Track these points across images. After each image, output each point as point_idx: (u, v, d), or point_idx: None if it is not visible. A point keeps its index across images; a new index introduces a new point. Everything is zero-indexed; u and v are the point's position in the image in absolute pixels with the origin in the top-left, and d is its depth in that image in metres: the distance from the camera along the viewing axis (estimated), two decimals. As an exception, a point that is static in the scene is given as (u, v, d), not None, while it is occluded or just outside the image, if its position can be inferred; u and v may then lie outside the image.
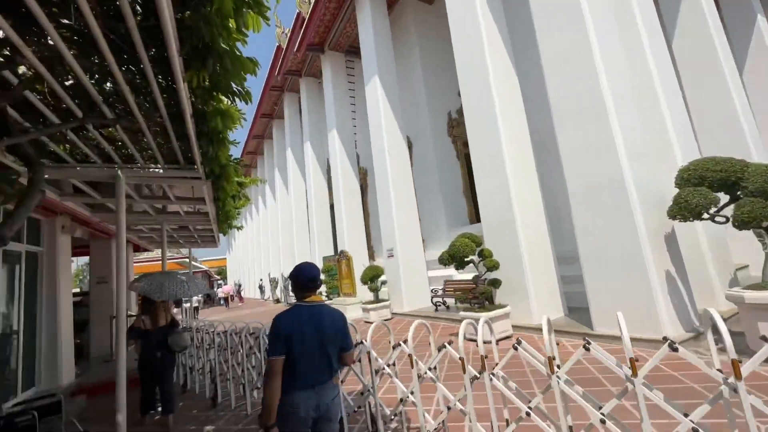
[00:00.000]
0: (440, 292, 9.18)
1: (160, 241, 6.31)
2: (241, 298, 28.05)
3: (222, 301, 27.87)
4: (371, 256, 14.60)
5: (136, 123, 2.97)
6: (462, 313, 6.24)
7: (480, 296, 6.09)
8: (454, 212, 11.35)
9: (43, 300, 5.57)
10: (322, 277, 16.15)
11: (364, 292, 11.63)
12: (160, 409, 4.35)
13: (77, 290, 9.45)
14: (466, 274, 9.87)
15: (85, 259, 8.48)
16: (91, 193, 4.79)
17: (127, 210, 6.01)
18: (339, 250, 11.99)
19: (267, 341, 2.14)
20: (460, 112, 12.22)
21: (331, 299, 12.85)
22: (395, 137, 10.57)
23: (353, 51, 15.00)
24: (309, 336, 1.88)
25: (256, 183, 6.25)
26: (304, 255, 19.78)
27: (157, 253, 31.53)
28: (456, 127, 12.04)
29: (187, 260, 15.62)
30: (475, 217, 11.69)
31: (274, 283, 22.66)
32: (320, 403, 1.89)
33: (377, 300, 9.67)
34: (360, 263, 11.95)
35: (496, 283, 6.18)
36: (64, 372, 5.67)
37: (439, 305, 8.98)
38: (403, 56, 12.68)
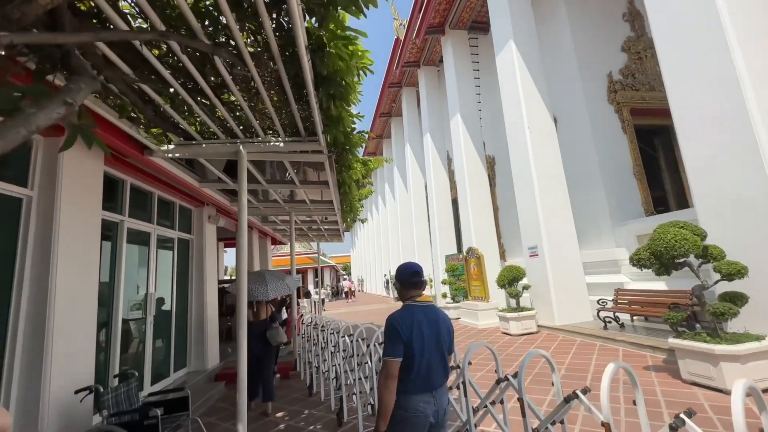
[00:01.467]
0: (609, 304, 6.93)
1: (289, 234, 6.15)
2: (353, 294, 29.25)
3: (344, 295, 29.68)
4: (502, 255, 12.72)
5: (241, 59, 2.29)
6: (675, 341, 4.19)
7: (711, 316, 3.93)
8: (620, 201, 8.70)
9: (192, 284, 5.88)
10: (445, 276, 15.03)
11: (497, 296, 9.99)
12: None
13: (229, 278, 10.50)
14: (644, 283, 7.31)
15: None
16: (225, 178, 4.66)
17: (257, 198, 5.98)
18: (467, 247, 10.61)
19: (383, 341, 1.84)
20: (625, 71, 9.43)
21: (457, 302, 11.56)
22: (537, 111, 8.63)
23: (477, 27, 13.42)
24: (427, 337, 1.78)
25: (381, 164, 5.54)
26: (425, 253, 18.99)
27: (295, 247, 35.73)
28: (620, 91, 9.29)
29: (317, 255, 16.48)
30: (654, 205, 8.77)
31: (393, 280, 22.61)
32: (439, 408, 1.81)
33: (519, 308, 7.96)
34: (490, 263, 10.32)
35: (738, 299, 3.91)
36: (210, 355, 5.90)
37: (609, 321, 6.75)
38: (543, 15, 10.51)
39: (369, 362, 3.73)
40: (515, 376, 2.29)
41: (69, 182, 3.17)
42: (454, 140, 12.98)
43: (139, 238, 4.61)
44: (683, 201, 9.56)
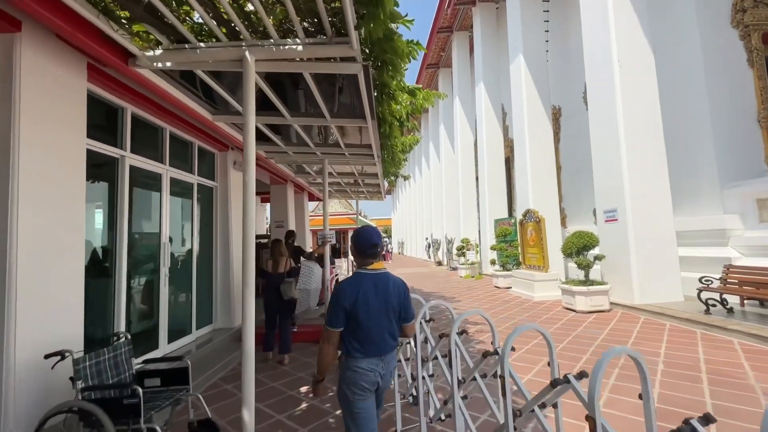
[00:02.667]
0: (714, 283, 5.48)
1: (323, 186, 5.33)
2: (389, 256, 29.02)
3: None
4: (562, 221, 11.19)
5: None
6: None
7: None
8: (735, 155, 6.82)
9: (217, 236, 5.35)
10: (494, 242, 13.80)
11: (556, 266, 8.72)
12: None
13: (264, 233, 10.16)
14: (760, 259, 5.71)
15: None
16: (233, 102, 3.80)
17: (285, 139, 5.14)
18: (523, 209, 9.27)
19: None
20: (761, -19, 7.08)
21: (508, 270, 10.43)
22: (631, 40, 6.77)
23: (552, -57, 11.00)
24: (374, 305, 1.77)
25: (432, 101, 4.39)
26: (471, 216, 17.70)
27: (335, 207, 35.68)
28: (750, 10, 7.03)
29: (357, 216, 15.89)
30: (781, 162, 6.81)
31: (436, 245, 21.69)
32: (386, 372, 1.82)
33: (588, 281, 6.71)
34: (550, 229, 8.95)
35: None
36: (238, 312, 5.46)
37: (713, 304, 5.35)
38: None
39: (411, 343, 2.89)
40: (579, 376, 1.52)
41: (32, 93, 2.47)
42: (513, 87, 11.18)
43: (147, 180, 4.00)
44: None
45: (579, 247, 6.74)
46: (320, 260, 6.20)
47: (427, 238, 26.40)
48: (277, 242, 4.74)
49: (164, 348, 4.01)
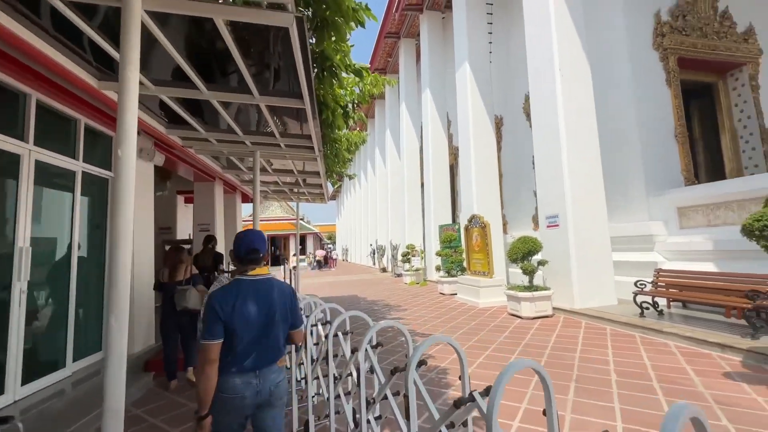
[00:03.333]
0: (647, 287, 5.70)
1: (253, 180, 4.54)
2: (333, 263, 28.29)
3: (315, 264, 28.53)
4: (503, 228, 11.43)
5: None
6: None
7: None
8: (659, 166, 7.34)
9: (112, 242, 4.26)
10: (438, 248, 13.76)
11: (499, 272, 8.74)
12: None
13: (187, 239, 8.86)
14: (684, 264, 6.11)
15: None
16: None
17: (206, 127, 4.29)
18: (469, 215, 9.21)
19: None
20: (675, 11, 7.81)
21: (453, 276, 10.31)
22: (571, 51, 7.00)
23: (495, -42, 11.36)
24: (253, 314, 1.63)
25: (381, 87, 3.91)
26: (416, 223, 17.64)
27: (275, 211, 33.73)
28: (669, 35, 7.70)
29: (301, 222, 14.89)
30: (696, 173, 7.48)
31: (381, 251, 21.34)
32: (262, 388, 1.65)
33: (532, 286, 6.69)
34: (494, 234, 8.98)
35: None
36: (137, 335, 4.41)
37: (646, 307, 5.54)
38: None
39: (354, 374, 2.31)
40: (486, 393, 1.19)
41: None
42: (459, 94, 11.25)
43: (-1, 162, 2.93)
44: (719, 172, 8.31)
45: (524, 253, 6.71)
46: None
47: (371, 245, 26.00)
48: (178, 249, 4.15)
49: (15, 392, 2.93)
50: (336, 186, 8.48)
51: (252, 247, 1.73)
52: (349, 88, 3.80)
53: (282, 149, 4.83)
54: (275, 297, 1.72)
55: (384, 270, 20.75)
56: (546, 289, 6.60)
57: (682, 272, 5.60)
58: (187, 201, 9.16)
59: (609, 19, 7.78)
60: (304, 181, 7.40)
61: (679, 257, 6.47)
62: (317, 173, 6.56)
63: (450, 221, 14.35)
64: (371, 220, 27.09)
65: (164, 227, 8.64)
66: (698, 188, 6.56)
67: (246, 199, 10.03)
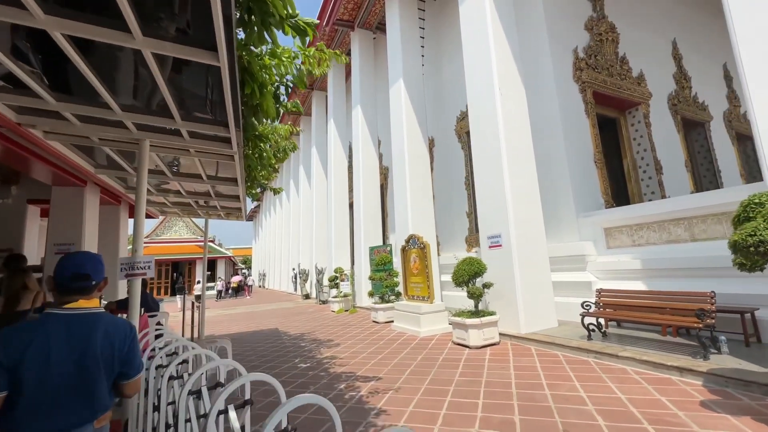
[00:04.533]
0: (592, 308, 5.59)
1: (137, 179, 3.18)
2: (248, 290, 25.82)
3: (230, 291, 25.71)
4: (436, 249, 11.14)
5: None
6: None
7: None
8: (585, 188, 7.69)
9: None
10: (369, 271, 12.93)
11: (450, 298, 8.20)
12: None
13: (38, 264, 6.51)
14: (614, 282, 6.26)
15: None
16: None
17: (55, 94, 2.84)
18: (408, 235, 8.60)
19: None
20: (588, 51, 8.56)
21: (389, 302, 9.48)
22: (509, 73, 7.07)
23: (428, -16, 11.64)
24: (57, 359, 1.28)
25: (330, 63, 3.05)
26: (344, 244, 16.61)
27: (179, 230, 29.36)
28: (585, 70, 8.37)
29: (212, 244, 12.77)
30: (615, 197, 8.01)
31: (303, 275, 19.66)
32: None
33: (478, 311, 6.19)
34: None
35: None
36: None
37: (593, 329, 5.39)
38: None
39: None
40: None
41: None
42: (393, 111, 10.91)
43: None
44: (623, 197, 9.16)
45: (470, 275, 6.23)
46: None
47: (294, 269, 24.01)
48: (23, 271, 3.33)
49: None
50: (255, 200, 7.04)
51: (80, 272, 1.44)
52: (285, 60, 2.82)
53: (184, 140, 3.55)
54: (97, 338, 1.38)
55: (307, 296, 19.06)
56: (492, 313, 6.16)
57: (620, 291, 5.64)
58: (45, 214, 6.84)
59: (538, 48, 8.17)
60: (214, 191, 5.97)
61: (609, 276, 6.65)
62: (234, 180, 5.26)
63: (381, 242, 13.70)
64: (293, 243, 25.17)
65: (2, 249, 6.22)
66: (620, 210, 6.94)
67: (133, 213, 7.97)
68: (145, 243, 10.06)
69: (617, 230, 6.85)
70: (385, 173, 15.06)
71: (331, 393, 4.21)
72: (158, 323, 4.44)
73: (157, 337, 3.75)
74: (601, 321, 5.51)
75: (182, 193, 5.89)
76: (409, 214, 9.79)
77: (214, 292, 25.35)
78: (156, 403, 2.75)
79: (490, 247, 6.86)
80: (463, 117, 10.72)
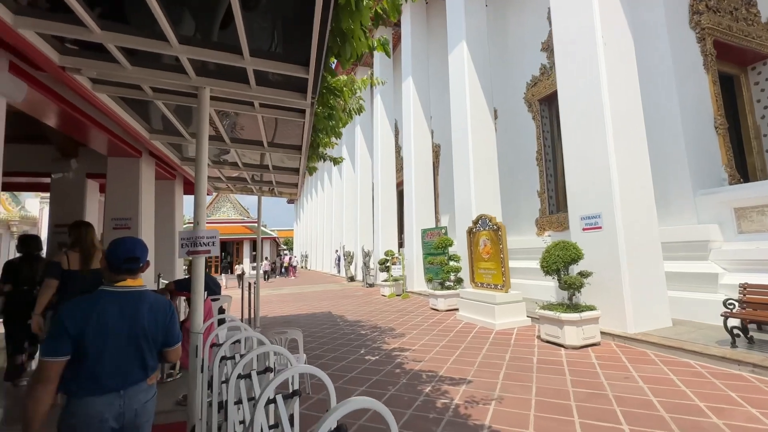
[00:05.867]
0: (736, 308, 4.42)
1: (197, 137, 2.56)
2: (293, 271, 26.25)
3: (283, 270, 26.27)
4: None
5: None
6: None
7: None
8: (702, 162, 6.29)
9: None
10: (420, 254, 12.18)
11: (517, 286, 7.25)
12: None
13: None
14: (749, 275, 4.98)
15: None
16: None
17: (104, 23, 2.20)
18: (477, 215, 7.66)
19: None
20: (712, -13, 6.91)
21: (450, 288, 8.69)
22: (614, 21, 5.77)
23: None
24: (113, 329, 1.51)
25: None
26: (390, 226, 15.94)
27: (227, 212, 30.24)
28: (705, 14, 6.77)
29: (260, 225, 12.66)
30: (744, 171, 6.53)
31: (348, 258, 19.33)
32: (126, 409, 1.52)
33: (575, 306, 5.21)
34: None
35: None
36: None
37: (737, 334, 4.25)
38: None
39: None
40: None
41: None
42: (454, 79, 9.81)
43: None
44: (742, 171, 7.54)
45: (565, 261, 5.23)
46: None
47: (337, 251, 23.85)
48: (87, 226, 3.25)
49: None
50: (312, 171, 6.33)
51: (131, 255, 1.62)
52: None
53: (250, 88, 2.87)
54: (144, 313, 1.60)
55: (352, 279, 18.76)
56: (592, 308, 5.15)
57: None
58: (103, 190, 6.65)
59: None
60: (273, 163, 5.38)
61: (742, 267, 5.36)
62: (295, 148, 4.60)
63: (433, 225, 12.83)
64: (336, 225, 24.95)
65: (62, 224, 6.10)
66: (762, 185, 5.51)
67: (190, 189, 7.68)
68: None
69: (755, 211, 5.48)
70: (436, 151, 14.01)
71: (418, 398, 3.51)
72: (221, 309, 3.95)
73: (220, 322, 3.21)
74: (739, 323, 4.33)
75: (239, 164, 5.34)
76: (473, 192, 8.82)
77: (260, 272, 26.00)
78: (221, 400, 2.21)
79: (584, 229, 5.78)
80: (535, 83, 9.40)
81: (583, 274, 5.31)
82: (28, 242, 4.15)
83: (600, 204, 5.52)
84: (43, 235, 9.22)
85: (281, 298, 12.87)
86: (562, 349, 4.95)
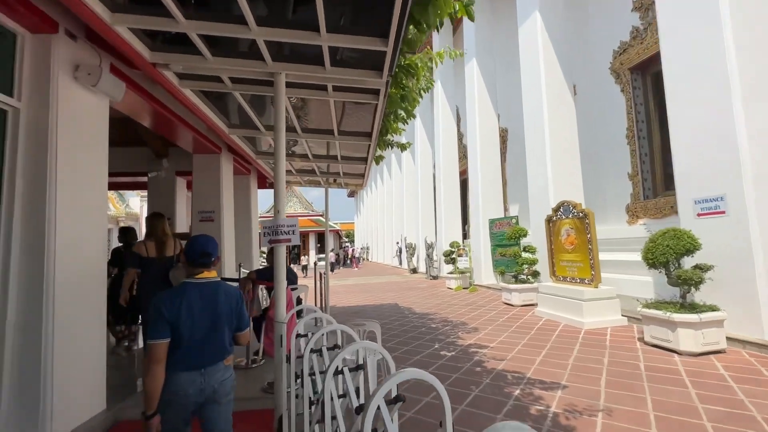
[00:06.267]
0: None
1: (274, 118, 2.50)
2: (356, 262, 26.80)
3: (348, 261, 26.98)
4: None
5: None
6: None
7: None
8: None
9: (18, 221, 2.29)
10: (488, 245, 11.54)
11: (605, 281, 6.43)
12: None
13: (185, 232, 6.90)
14: None
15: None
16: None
17: (186, 11, 2.16)
18: (559, 202, 6.95)
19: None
20: None
21: (529, 282, 8.06)
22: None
23: None
24: (198, 316, 1.74)
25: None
26: (453, 217, 15.42)
27: (293, 207, 31.94)
28: None
29: (321, 218, 12.94)
30: None
31: (410, 249, 19.17)
32: (206, 386, 1.73)
33: (691, 306, 4.40)
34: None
35: None
36: (77, 393, 2.42)
37: None
38: None
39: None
40: None
41: None
42: (525, 52, 8.99)
43: None
44: None
45: (677, 253, 4.43)
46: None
47: (398, 242, 23.85)
48: (159, 217, 3.69)
49: None
50: (378, 161, 6.18)
51: (205, 251, 1.82)
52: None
53: (324, 70, 2.74)
54: (220, 300, 1.81)
55: (414, 271, 18.60)
56: (714, 308, 4.30)
57: None
58: (189, 187, 7.20)
59: None
60: (341, 153, 5.32)
61: None
62: (363, 135, 4.46)
63: (501, 214, 12.06)
64: (397, 216, 24.92)
65: (159, 217, 6.73)
66: None
67: (263, 183, 8.05)
68: (266, 217, 10.29)
69: None
70: (503, 136, 13.10)
71: (507, 402, 3.18)
72: (299, 299, 3.99)
73: (298, 312, 3.19)
74: None
75: (309, 155, 5.38)
76: (550, 177, 8.03)
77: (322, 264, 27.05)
78: (313, 398, 2.15)
79: (700, 215, 4.86)
80: (624, 49, 8.19)
81: (702, 268, 4.45)
82: (126, 233, 4.72)
83: (723, 184, 4.57)
84: (143, 228, 10.39)
85: (347, 288, 13.14)
86: (676, 355, 4.21)
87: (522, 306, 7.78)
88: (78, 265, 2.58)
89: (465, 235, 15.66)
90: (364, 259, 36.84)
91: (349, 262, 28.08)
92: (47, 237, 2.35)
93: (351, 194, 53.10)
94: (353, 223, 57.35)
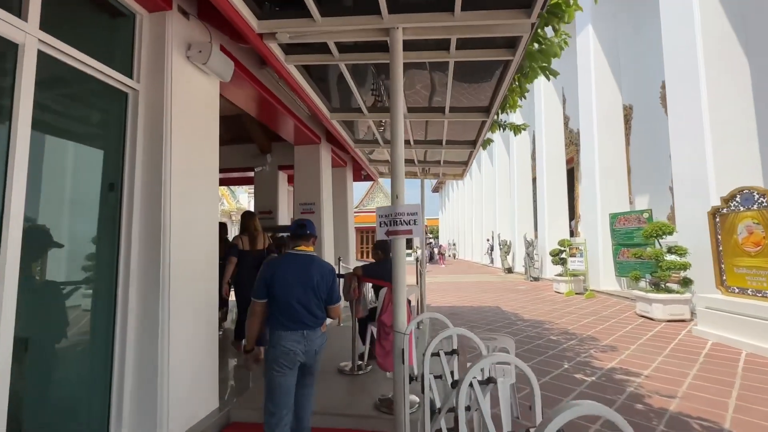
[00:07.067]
0: None
1: (390, 67, 2.02)
2: (442, 259, 25.96)
3: (435, 259, 26.26)
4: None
5: None
6: None
7: None
8: None
9: (137, 210, 2.21)
10: (609, 243, 9.69)
11: (707, 286, 4.65)
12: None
13: (283, 224, 7.03)
14: None
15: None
16: None
17: None
18: (737, 188, 5.27)
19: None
20: None
21: (679, 293, 6.42)
22: None
23: None
24: (292, 281, 1.97)
25: None
26: (558, 211, 13.60)
27: (380, 201, 32.34)
28: None
29: (422, 212, 12.52)
30: None
31: (505, 247, 17.62)
32: (308, 349, 1.97)
33: None
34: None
35: None
36: (191, 392, 2.29)
37: None
38: None
39: None
40: None
41: None
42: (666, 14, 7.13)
43: None
44: None
45: None
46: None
47: (488, 239, 22.33)
48: (251, 215, 4.12)
49: None
50: (486, 146, 5.42)
51: (300, 223, 2.12)
52: None
53: (453, 17, 2.14)
54: (312, 271, 2.02)
55: (510, 270, 17.05)
56: None
57: None
58: (290, 181, 7.35)
59: None
60: (446, 141, 4.69)
61: None
62: (480, 110, 3.75)
63: (626, 208, 10.06)
64: (487, 211, 23.31)
65: (264, 211, 7.00)
66: None
67: (358, 176, 7.87)
68: (354, 212, 10.29)
69: None
70: (626, 114, 10.93)
71: None
72: (407, 301, 3.51)
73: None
74: None
75: (410, 141, 4.87)
76: (710, 155, 6.23)
77: (412, 259, 26.77)
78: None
79: None
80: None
81: None
82: (219, 228, 4.92)
83: None
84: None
85: (439, 286, 12.51)
86: None
87: (666, 322, 6.19)
88: (191, 255, 2.45)
89: (571, 233, 13.69)
90: (450, 256, 35.74)
91: (436, 259, 27.38)
92: (163, 226, 2.22)
93: (435, 189, 52.09)
94: (437, 218, 56.33)
